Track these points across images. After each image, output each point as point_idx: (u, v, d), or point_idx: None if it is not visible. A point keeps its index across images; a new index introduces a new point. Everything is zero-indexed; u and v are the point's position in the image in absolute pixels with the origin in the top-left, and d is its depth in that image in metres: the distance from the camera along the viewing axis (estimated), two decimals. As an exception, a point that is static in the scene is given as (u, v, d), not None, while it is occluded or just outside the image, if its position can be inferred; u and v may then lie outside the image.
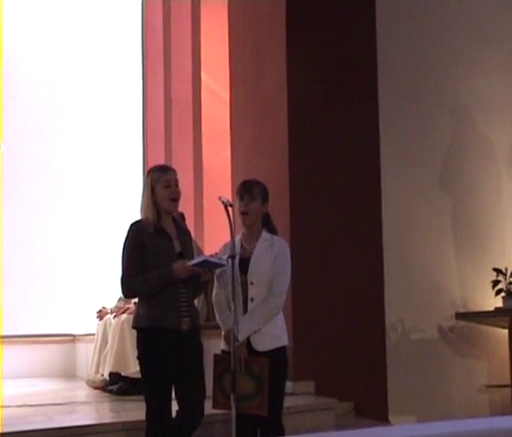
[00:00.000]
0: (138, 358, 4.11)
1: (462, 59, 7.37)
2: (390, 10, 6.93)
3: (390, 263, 6.51)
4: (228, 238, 4.16)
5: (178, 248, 4.15)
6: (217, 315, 4.29)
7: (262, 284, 4.13)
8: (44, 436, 4.73)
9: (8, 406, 6.05)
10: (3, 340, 9.41)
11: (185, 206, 7.18)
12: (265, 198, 4.30)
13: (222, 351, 4.19)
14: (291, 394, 5.46)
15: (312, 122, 6.36)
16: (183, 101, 9.18)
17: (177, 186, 4.19)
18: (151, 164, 9.09)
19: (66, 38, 10.71)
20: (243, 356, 4.04)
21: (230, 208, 4.06)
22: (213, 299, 4.33)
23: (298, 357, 5.75)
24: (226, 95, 7.88)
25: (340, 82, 6.50)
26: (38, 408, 5.96)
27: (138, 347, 4.11)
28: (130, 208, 8.75)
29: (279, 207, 5.65)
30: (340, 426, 5.42)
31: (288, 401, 4.35)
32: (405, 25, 7.12)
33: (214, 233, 7.73)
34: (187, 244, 4.24)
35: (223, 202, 4.05)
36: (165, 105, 9.76)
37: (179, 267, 4.01)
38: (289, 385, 4.47)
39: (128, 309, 6.83)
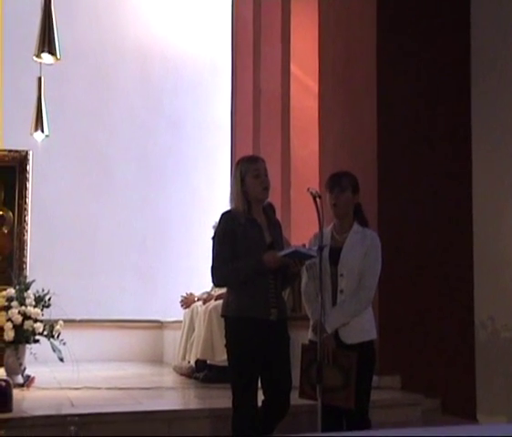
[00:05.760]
0: (226, 346, 4.15)
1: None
2: (485, 12, 6.75)
3: (480, 260, 6.37)
4: (315, 229, 4.15)
5: (268, 238, 4.16)
6: (306, 305, 4.29)
7: (353, 276, 4.11)
8: (132, 419, 4.85)
9: (99, 388, 6.24)
10: (96, 323, 9.72)
11: (272, 197, 7.13)
12: (355, 189, 4.27)
13: (310, 341, 4.18)
14: (377, 388, 5.41)
15: (402, 116, 6.28)
16: (272, 92, 9.18)
17: (266, 175, 4.21)
18: (239, 155, 9.20)
19: (156, 31, 10.91)
20: (331, 348, 4.03)
21: (318, 200, 4.04)
22: (302, 289, 4.33)
23: (384, 351, 5.69)
24: (315, 87, 7.84)
25: (431, 79, 6.39)
26: (127, 391, 6.13)
27: (227, 335, 4.14)
28: (219, 197, 8.93)
29: (367, 200, 5.57)
30: (427, 422, 5.35)
31: (373, 395, 4.32)
32: (501, 28, 6.91)
33: (301, 224, 7.73)
34: (277, 235, 4.25)
35: (312, 193, 4.03)
36: (254, 96, 9.79)
37: (270, 257, 4.02)
38: (375, 379, 4.42)
39: (217, 297, 6.89)
